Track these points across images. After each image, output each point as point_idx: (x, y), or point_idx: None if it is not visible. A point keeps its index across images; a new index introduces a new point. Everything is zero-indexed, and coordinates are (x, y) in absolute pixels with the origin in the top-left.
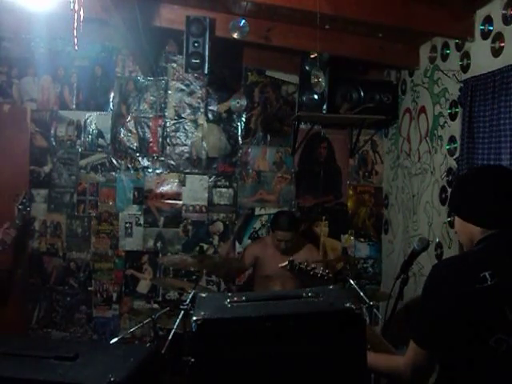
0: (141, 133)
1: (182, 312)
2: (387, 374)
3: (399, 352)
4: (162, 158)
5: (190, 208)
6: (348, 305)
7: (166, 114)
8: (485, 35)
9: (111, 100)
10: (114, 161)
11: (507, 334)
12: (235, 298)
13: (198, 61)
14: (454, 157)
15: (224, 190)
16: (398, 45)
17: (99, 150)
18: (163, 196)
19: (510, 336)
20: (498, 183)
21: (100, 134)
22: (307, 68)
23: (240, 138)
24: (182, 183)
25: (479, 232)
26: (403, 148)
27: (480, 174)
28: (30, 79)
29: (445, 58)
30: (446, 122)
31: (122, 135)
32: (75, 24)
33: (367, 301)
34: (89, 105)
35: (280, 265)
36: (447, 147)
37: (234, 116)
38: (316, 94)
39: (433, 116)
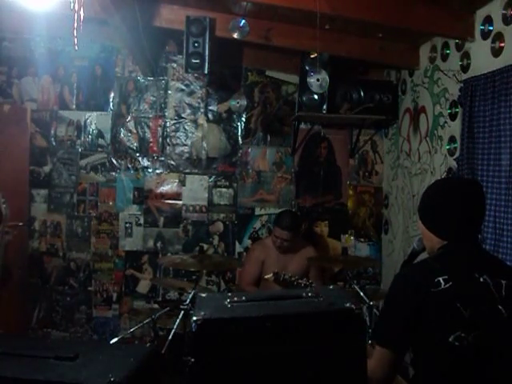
0: (141, 133)
1: (182, 312)
2: None
3: None
4: (162, 158)
5: (190, 208)
6: (348, 305)
7: (166, 113)
8: (485, 35)
9: (111, 100)
10: (114, 161)
11: (466, 332)
12: (235, 298)
13: (198, 61)
14: (454, 157)
15: (224, 189)
16: (398, 45)
17: (99, 149)
18: (163, 196)
19: (468, 333)
20: (465, 202)
21: (100, 134)
22: (307, 68)
23: (240, 138)
24: (182, 183)
25: (438, 241)
26: (403, 148)
27: (449, 188)
28: (30, 79)
29: (445, 57)
30: (446, 122)
31: (122, 135)
32: (75, 24)
33: (367, 301)
34: (89, 105)
35: (265, 277)
36: (447, 147)
37: (234, 116)
38: (316, 94)
39: (433, 116)
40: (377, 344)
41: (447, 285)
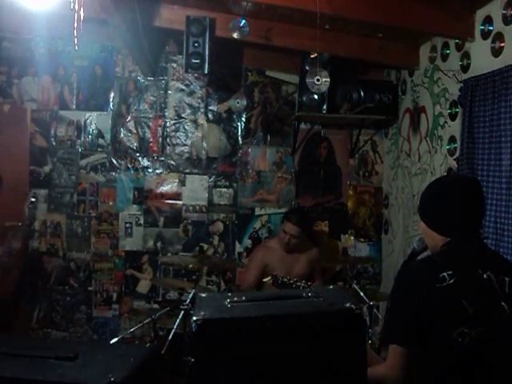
0: (141, 133)
1: (182, 312)
2: None
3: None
4: (162, 158)
5: (190, 208)
6: (348, 305)
7: (166, 113)
8: (485, 35)
9: (111, 100)
10: (114, 161)
11: (469, 328)
12: (235, 298)
13: (198, 61)
14: (454, 157)
15: (224, 189)
16: (398, 45)
17: (99, 149)
18: (163, 196)
19: (471, 329)
20: (465, 198)
21: (100, 134)
22: (307, 68)
23: (240, 138)
24: (182, 183)
25: (441, 239)
26: (403, 148)
27: (448, 185)
28: (29, 79)
29: (445, 57)
30: (446, 122)
31: (122, 135)
32: (75, 24)
33: (367, 301)
34: (89, 105)
35: (264, 280)
36: (447, 147)
37: (234, 116)
38: (316, 93)
39: (433, 116)
40: (390, 343)
41: (451, 280)
